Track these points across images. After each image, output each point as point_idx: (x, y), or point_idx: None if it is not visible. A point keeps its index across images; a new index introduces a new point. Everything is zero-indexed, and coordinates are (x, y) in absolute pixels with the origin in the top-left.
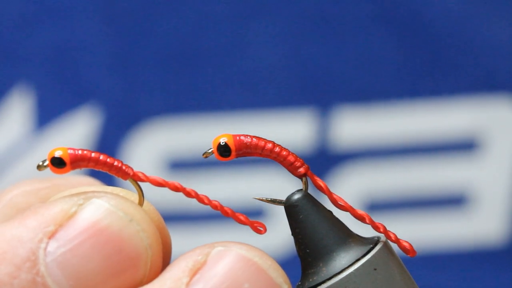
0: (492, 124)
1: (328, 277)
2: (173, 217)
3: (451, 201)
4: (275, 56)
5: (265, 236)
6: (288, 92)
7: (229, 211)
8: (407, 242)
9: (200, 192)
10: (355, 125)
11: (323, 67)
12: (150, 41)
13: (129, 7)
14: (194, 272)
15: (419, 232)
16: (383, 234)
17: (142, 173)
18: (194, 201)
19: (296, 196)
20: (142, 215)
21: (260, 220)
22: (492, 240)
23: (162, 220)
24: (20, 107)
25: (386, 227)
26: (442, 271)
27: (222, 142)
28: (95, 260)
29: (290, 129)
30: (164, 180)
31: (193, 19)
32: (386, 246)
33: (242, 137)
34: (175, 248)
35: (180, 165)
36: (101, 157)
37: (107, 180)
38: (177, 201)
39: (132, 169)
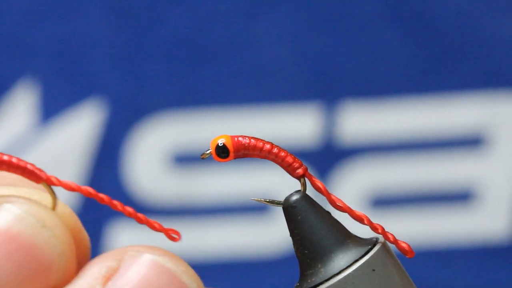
0: (499, 120)
1: (326, 278)
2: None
3: (457, 197)
4: (281, 50)
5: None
6: (294, 86)
7: (143, 218)
8: (405, 243)
9: (208, 186)
10: (361, 120)
11: (329, 62)
12: (156, 34)
13: (136, 1)
14: (107, 278)
15: (424, 227)
16: (381, 235)
17: (55, 178)
18: (201, 196)
19: (294, 197)
20: (55, 220)
21: (264, 215)
22: (497, 236)
23: (79, 223)
24: (25, 100)
25: (391, 222)
26: (447, 267)
27: (220, 143)
28: (6, 269)
29: (297, 124)
30: (77, 185)
31: (200, 13)
32: (384, 247)
33: (240, 138)
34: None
35: (185, 159)
36: (13, 159)
37: None
38: (183, 196)
39: (45, 173)
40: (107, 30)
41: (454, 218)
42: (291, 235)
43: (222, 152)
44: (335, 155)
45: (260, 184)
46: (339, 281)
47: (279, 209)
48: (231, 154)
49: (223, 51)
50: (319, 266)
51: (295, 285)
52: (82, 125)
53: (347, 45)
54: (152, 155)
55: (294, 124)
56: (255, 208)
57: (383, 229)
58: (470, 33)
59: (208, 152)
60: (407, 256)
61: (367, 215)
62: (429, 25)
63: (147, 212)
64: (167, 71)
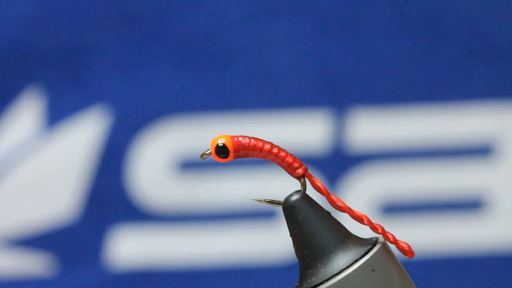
0: (509, 129)
1: (326, 278)
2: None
3: (467, 206)
4: (291, 56)
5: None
6: (304, 93)
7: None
8: (405, 243)
9: (213, 193)
10: (371, 127)
11: (339, 68)
12: (162, 41)
13: (141, 7)
14: None
15: (434, 235)
16: (381, 235)
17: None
18: (205, 203)
19: (294, 197)
20: None
21: (270, 221)
22: (508, 245)
23: None
24: (31, 107)
25: (400, 230)
26: (457, 275)
27: (220, 143)
28: None
29: (306, 130)
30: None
31: (207, 19)
32: (384, 247)
33: (240, 138)
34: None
35: (190, 165)
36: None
37: None
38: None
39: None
40: (112, 37)
41: (464, 226)
42: (291, 235)
43: (222, 152)
44: (344, 162)
45: (264, 190)
46: (339, 281)
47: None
48: (231, 154)
49: (230, 57)
50: (319, 266)
51: (295, 285)
52: (87, 132)
53: (357, 52)
54: (156, 161)
55: (303, 131)
56: (260, 214)
57: (383, 229)
58: (481, 42)
59: (208, 152)
60: (407, 256)
61: (367, 216)
62: (440, 33)
63: (151, 219)
64: (173, 77)
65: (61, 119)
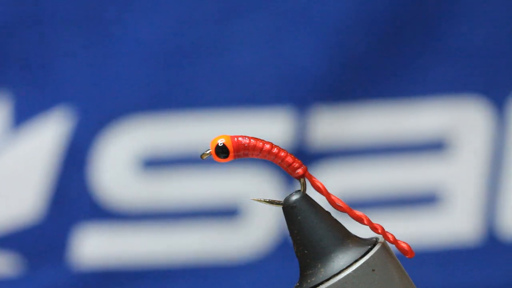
0: (463, 124)
1: (326, 278)
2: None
3: (424, 200)
4: (253, 54)
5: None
6: (266, 90)
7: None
8: (405, 243)
9: (177, 191)
10: (331, 125)
11: (300, 66)
12: (124, 38)
13: (104, 6)
14: None
15: (392, 230)
16: (381, 235)
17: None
18: (169, 201)
19: (294, 197)
20: None
21: (234, 219)
22: (465, 238)
23: None
24: None
25: (358, 226)
26: (416, 269)
27: (220, 143)
28: None
29: (268, 128)
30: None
31: (170, 17)
32: (384, 247)
33: (240, 138)
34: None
35: (154, 163)
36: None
37: None
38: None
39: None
40: (74, 37)
41: (421, 221)
42: (291, 235)
43: (222, 152)
44: (305, 159)
45: (229, 188)
46: (339, 281)
47: (250, 213)
48: (231, 154)
49: (193, 55)
50: (319, 266)
51: (295, 285)
52: (51, 132)
53: (318, 50)
54: (120, 160)
55: (266, 128)
56: (223, 212)
57: (382, 229)
58: (436, 40)
59: (208, 152)
60: (407, 256)
61: (366, 216)
62: (395, 31)
63: (116, 218)
64: (135, 75)
65: (25, 120)
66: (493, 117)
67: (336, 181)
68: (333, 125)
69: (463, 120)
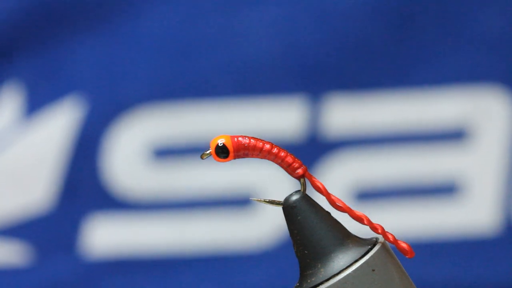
0: (482, 113)
1: (326, 278)
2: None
3: (442, 190)
4: (265, 43)
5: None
6: (279, 79)
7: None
8: (405, 243)
9: (188, 181)
10: (346, 113)
11: (314, 55)
12: (135, 29)
13: None
14: None
15: (409, 221)
16: (381, 235)
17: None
18: (181, 191)
19: (294, 197)
20: None
21: (245, 209)
22: (483, 229)
23: None
24: (7, 99)
25: (376, 216)
26: (433, 260)
27: (220, 143)
28: None
29: (281, 117)
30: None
31: (180, 7)
32: (384, 247)
33: (240, 138)
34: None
35: (165, 153)
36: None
37: None
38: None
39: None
40: (85, 26)
41: (439, 211)
42: (291, 235)
43: (222, 152)
44: (320, 149)
45: (240, 178)
46: (339, 281)
47: (260, 204)
48: (231, 154)
49: (205, 45)
50: (319, 266)
51: (295, 285)
52: (62, 122)
53: (331, 38)
54: (131, 150)
55: (278, 118)
56: (235, 202)
57: (383, 229)
58: (454, 27)
59: (208, 152)
60: (407, 256)
61: (366, 216)
62: (412, 17)
63: (127, 208)
64: (146, 65)
65: (36, 110)
66: None
67: (352, 171)
68: (348, 114)
69: (482, 109)
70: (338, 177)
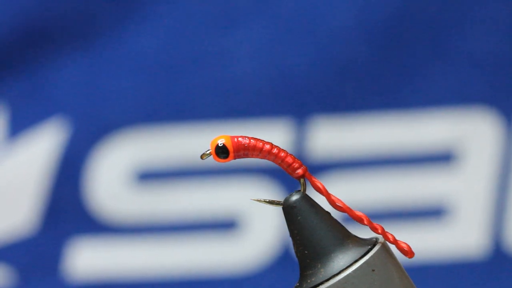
0: (470, 135)
1: (326, 278)
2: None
3: (430, 213)
4: (251, 65)
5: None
6: (264, 102)
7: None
8: (405, 243)
9: (172, 204)
10: (332, 136)
11: (301, 77)
12: (120, 51)
13: (100, 17)
14: None
15: None
16: (381, 235)
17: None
18: (165, 214)
19: (294, 198)
20: None
21: (231, 232)
22: (471, 252)
23: None
24: None
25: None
26: (421, 283)
27: (220, 144)
28: None
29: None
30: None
31: (166, 29)
32: (384, 247)
33: (240, 138)
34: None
35: (149, 176)
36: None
37: None
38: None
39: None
40: (69, 47)
41: (426, 234)
42: (291, 235)
43: (222, 152)
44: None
45: (226, 201)
46: (339, 281)
47: (248, 226)
48: (231, 155)
49: (189, 66)
50: (319, 266)
51: (295, 285)
52: (45, 144)
53: (318, 60)
54: (114, 173)
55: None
56: (220, 226)
57: (382, 229)
58: (442, 49)
59: (208, 152)
60: (407, 256)
61: (366, 216)
62: (399, 39)
63: (110, 231)
64: (131, 87)
65: (19, 132)
66: (501, 128)
67: (337, 193)
68: (334, 136)
69: (470, 131)
70: (324, 200)
